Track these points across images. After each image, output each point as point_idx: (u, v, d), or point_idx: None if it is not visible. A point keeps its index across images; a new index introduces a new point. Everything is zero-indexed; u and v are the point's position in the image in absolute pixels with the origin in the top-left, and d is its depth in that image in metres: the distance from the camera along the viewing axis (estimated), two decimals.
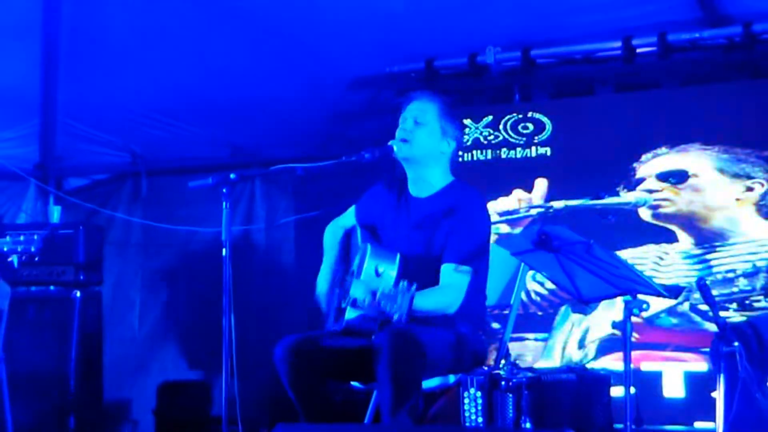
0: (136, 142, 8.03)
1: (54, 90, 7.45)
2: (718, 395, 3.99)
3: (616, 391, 4.97)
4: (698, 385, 6.25)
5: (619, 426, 4.85)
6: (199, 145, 7.87)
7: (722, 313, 5.86)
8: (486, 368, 4.72)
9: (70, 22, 6.93)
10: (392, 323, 4.40)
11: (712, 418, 5.97)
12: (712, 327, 6.14)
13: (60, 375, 6.79)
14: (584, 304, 4.71)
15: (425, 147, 4.89)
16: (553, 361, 6.65)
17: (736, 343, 3.85)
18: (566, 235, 4.12)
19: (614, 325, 4.28)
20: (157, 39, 6.89)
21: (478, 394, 4.54)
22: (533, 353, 6.74)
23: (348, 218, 5.17)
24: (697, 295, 6.16)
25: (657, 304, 6.12)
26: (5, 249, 5.13)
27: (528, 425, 4.55)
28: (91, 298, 7.08)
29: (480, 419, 4.54)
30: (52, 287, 7.00)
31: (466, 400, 4.57)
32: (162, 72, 7.10)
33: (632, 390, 4.33)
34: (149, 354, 8.14)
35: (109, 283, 7.73)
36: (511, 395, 4.49)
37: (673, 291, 5.65)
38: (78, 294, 6.95)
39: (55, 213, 7.94)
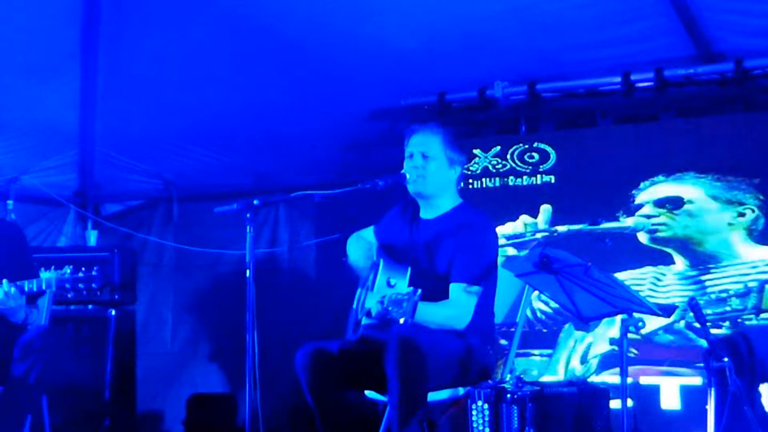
0: (168, 170, 8.05)
1: (92, 121, 7.48)
2: (709, 408, 3.99)
3: (616, 404, 4.96)
4: (694, 398, 6.22)
5: None
6: (227, 172, 7.89)
7: (716, 331, 5.88)
8: (492, 382, 4.73)
9: (107, 58, 6.98)
10: (400, 331, 4.42)
11: (707, 430, 5.99)
12: (706, 343, 6.13)
13: (96, 388, 6.81)
14: (583, 322, 4.71)
15: (436, 180, 4.91)
16: (558, 376, 6.64)
17: (726, 359, 3.84)
18: (566, 258, 4.13)
19: (612, 342, 4.29)
20: (188, 75, 6.93)
21: (485, 406, 4.54)
22: (539, 368, 6.72)
23: (369, 233, 5.19)
24: (692, 314, 6.16)
25: (654, 322, 6.11)
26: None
27: None
28: (125, 316, 7.10)
29: (487, 430, 4.54)
30: (89, 306, 7.02)
31: (474, 412, 4.57)
32: (192, 105, 7.13)
33: (630, 402, 4.33)
34: (180, 368, 8.14)
35: (144, 301, 7.76)
36: (516, 407, 4.49)
37: (666, 310, 5.63)
38: (113, 312, 6.98)
39: (92, 237, 7.97)
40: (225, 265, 7.98)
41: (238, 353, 5.43)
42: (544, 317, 6.74)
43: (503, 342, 6.22)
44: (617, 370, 6.30)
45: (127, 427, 7.01)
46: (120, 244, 7.98)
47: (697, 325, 5.97)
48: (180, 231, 8.26)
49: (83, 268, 5.21)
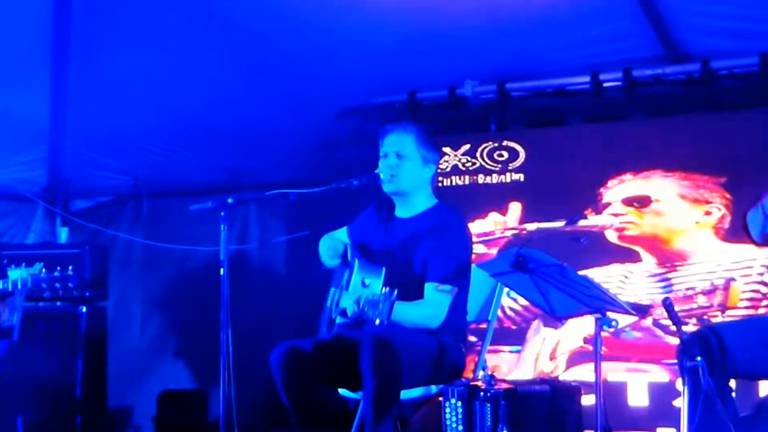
0: (139, 167, 7.99)
1: (62, 118, 7.41)
2: (682, 406, 4.01)
3: (585, 400, 4.99)
4: (660, 394, 6.29)
5: None
6: (197, 169, 7.85)
7: (684, 328, 5.91)
8: (466, 380, 4.73)
9: (78, 55, 6.91)
10: (375, 330, 4.42)
11: (674, 425, 6.04)
12: (673, 340, 6.18)
13: (67, 384, 6.76)
14: (558, 320, 4.73)
15: (411, 179, 4.90)
16: (526, 373, 6.66)
17: (698, 358, 3.86)
18: (542, 258, 4.14)
19: (587, 341, 4.30)
20: (159, 72, 6.89)
21: (459, 403, 4.54)
22: (507, 364, 6.75)
23: (342, 233, 5.18)
24: (659, 311, 6.20)
25: (623, 320, 6.15)
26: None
27: None
28: (96, 313, 7.05)
29: (460, 427, 4.54)
30: (60, 303, 6.95)
31: (447, 410, 4.57)
32: (163, 102, 7.09)
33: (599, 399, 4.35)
34: (150, 364, 8.09)
35: (113, 298, 7.70)
36: (489, 405, 4.49)
37: (639, 309, 5.67)
38: (84, 309, 6.92)
39: (63, 234, 7.91)
40: (194, 261, 7.94)
41: (208, 349, 5.42)
42: (513, 314, 6.77)
43: (473, 339, 6.24)
44: (584, 366, 6.39)
45: (99, 423, 6.97)
46: (90, 240, 7.94)
47: (666, 322, 6.08)
48: (149, 227, 8.20)
49: (59, 267, 5.15)
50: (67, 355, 6.81)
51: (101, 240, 8.05)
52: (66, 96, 7.22)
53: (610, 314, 4.21)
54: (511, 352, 6.75)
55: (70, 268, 5.14)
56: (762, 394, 5.73)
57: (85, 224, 8.24)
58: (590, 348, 6.27)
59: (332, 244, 5.05)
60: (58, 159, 7.86)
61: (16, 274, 5.16)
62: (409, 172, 4.90)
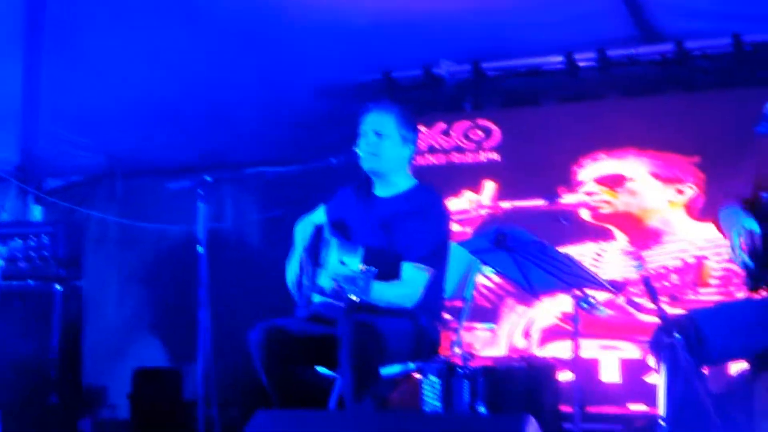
0: (113, 146, 7.92)
1: (35, 96, 7.34)
2: (660, 383, 4.02)
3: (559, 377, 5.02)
4: (632, 370, 6.33)
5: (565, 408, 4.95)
6: (172, 148, 7.80)
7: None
8: (444, 357, 4.74)
9: (51, 33, 6.84)
10: (355, 312, 4.41)
11: (645, 401, 6.09)
12: (645, 318, 6.23)
13: (42, 363, 6.71)
14: (536, 297, 4.73)
15: (390, 158, 4.88)
16: (500, 349, 6.69)
17: (677, 335, 3.87)
18: (522, 236, 4.14)
19: (564, 318, 4.31)
20: (133, 51, 6.82)
21: (437, 380, 4.55)
22: (481, 341, 6.77)
23: (317, 215, 5.14)
24: (633, 289, 6.25)
25: (598, 297, 6.19)
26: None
27: (482, 409, 4.58)
28: (71, 292, 6.97)
29: (438, 403, 4.56)
30: (35, 282, 6.87)
31: (426, 386, 4.59)
32: (137, 81, 7.03)
33: (572, 375, 4.38)
34: (125, 343, 8.07)
35: (88, 277, 7.63)
36: (467, 381, 4.51)
37: (617, 286, 5.71)
38: (59, 288, 6.87)
39: (36, 212, 7.84)
40: (169, 240, 7.90)
41: (183, 327, 5.39)
42: (486, 291, 6.78)
43: (447, 316, 6.25)
44: (558, 343, 6.43)
45: (74, 402, 6.93)
46: (64, 219, 7.88)
47: (639, 300, 6.12)
48: (124, 206, 8.16)
49: (32, 237, 5.11)
50: (43, 335, 6.73)
51: (76, 219, 7.99)
52: (39, 74, 7.13)
53: (588, 291, 4.23)
54: (484, 329, 6.76)
55: (44, 236, 5.09)
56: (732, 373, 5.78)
57: (59, 203, 8.17)
58: (564, 325, 6.33)
59: (304, 229, 5.06)
60: (31, 138, 7.78)
61: None
62: (388, 151, 4.88)
